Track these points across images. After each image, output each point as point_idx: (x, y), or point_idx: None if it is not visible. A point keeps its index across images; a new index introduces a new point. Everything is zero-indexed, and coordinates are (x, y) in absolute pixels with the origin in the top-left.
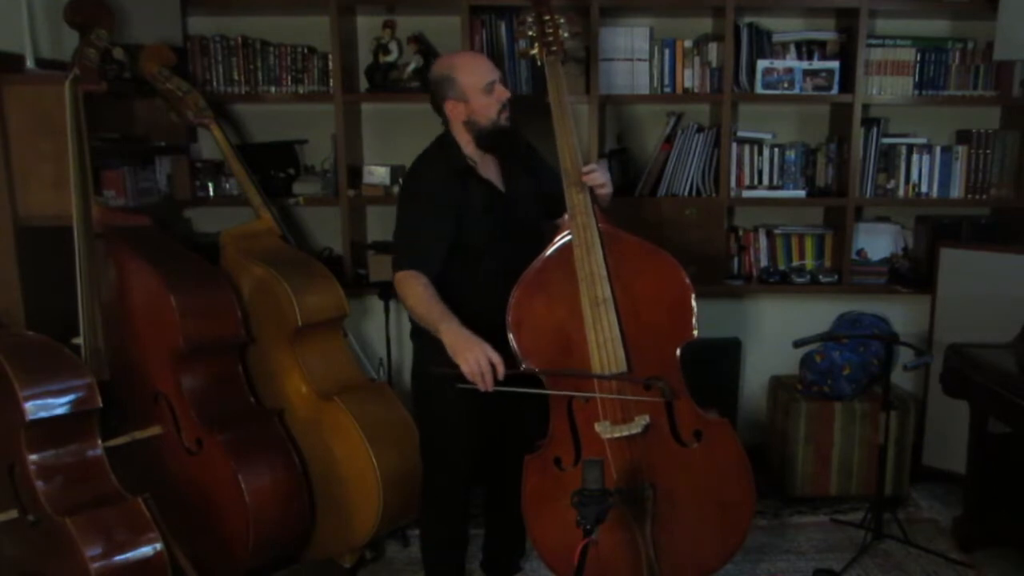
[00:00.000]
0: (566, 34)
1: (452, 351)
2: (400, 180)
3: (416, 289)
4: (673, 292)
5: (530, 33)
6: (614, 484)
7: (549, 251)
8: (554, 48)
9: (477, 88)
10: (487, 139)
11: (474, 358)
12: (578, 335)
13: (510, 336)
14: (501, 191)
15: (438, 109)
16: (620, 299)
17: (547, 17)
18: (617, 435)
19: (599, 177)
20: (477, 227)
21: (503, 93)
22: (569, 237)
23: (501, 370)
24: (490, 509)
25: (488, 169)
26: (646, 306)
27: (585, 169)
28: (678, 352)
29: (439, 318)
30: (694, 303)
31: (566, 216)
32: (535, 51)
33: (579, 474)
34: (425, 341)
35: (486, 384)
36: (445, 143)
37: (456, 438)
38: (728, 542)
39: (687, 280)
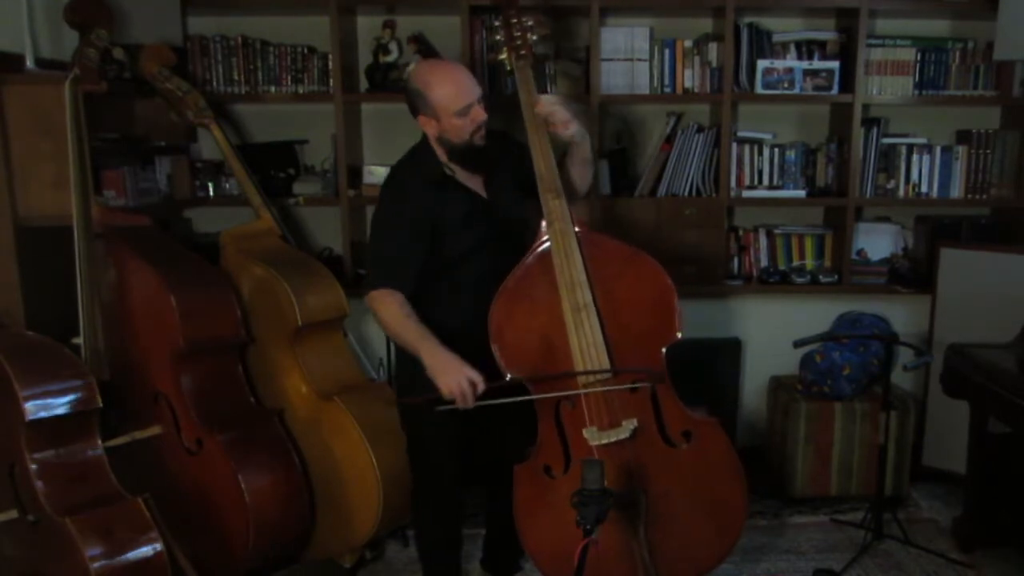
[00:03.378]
0: (534, 37)
1: (432, 373)
2: None
3: (392, 308)
4: (655, 294)
5: (498, 37)
6: None
7: (528, 259)
8: (523, 52)
9: (449, 111)
10: (459, 157)
11: (454, 381)
12: (561, 341)
13: (493, 346)
14: (483, 198)
15: (414, 116)
16: (601, 303)
17: (514, 20)
18: (605, 441)
19: (553, 107)
20: (456, 238)
21: (479, 115)
22: (548, 244)
23: (481, 387)
24: (490, 508)
25: (468, 176)
26: (628, 309)
27: (541, 106)
28: (663, 353)
29: (417, 338)
30: (677, 304)
31: (543, 222)
32: (504, 56)
33: (569, 481)
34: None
35: (467, 403)
36: (420, 152)
37: (440, 444)
38: (723, 541)
39: (669, 281)
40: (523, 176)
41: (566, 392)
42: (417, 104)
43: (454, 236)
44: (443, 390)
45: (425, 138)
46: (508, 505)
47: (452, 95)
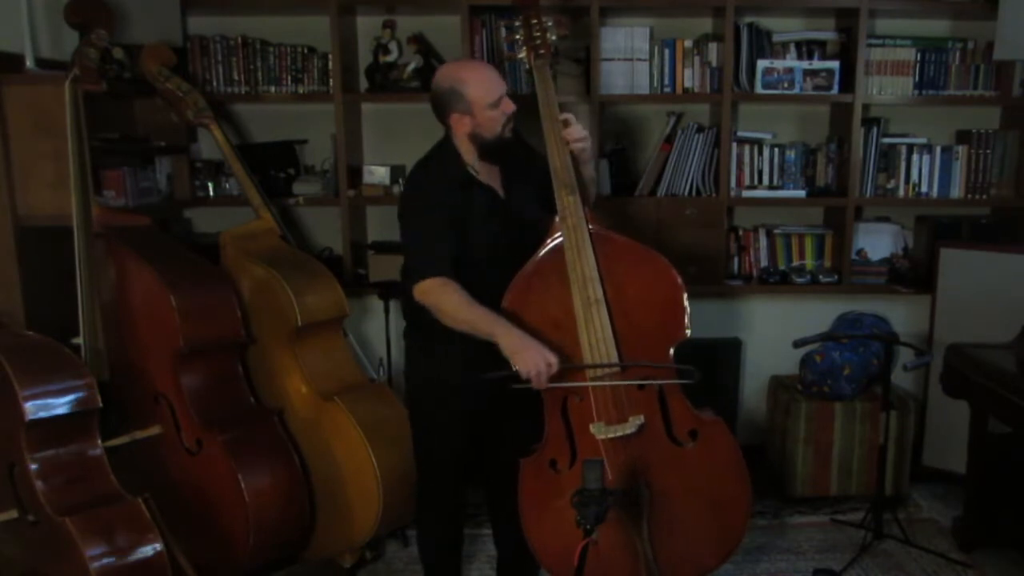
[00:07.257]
0: (553, 37)
1: (509, 352)
2: (400, 181)
3: (453, 296)
4: (665, 292)
5: (517, 36)
6: (610, 485)
7: (541, 253)
8: (542, 51)
9: (484, 103)
10: (491, 151)
11: (532, 361)
12: (571, 336)
13: None
14: (502, 197)
15: (441, 118)
16: (612, 300)
17: (534, 20)
18: (611, 436)
19: (578, 131)
20: (480, 236)
21: (509, 106)
22: (560, 239)
23: (555, 368)
24: (496, 522)
25: (489, 175)
26: (638, 306)
27: (567, 131)
28: (671, 351)
29: (490, 321)
30: (686, 303)
31: (557, 218)
32: (523, 55)
33: (575, 476)
34: (416, 341)
35: (542, 383)
36: (445, 152)
37: (445, 438)
38: (726, 541)
39: (679, 280)
40: (537, 180)
41: (583, 383)
42: (450, 102)
43: (478, 233)
44: (521, 369)
45: (447, 139)
46: (517, 528)
47: (486, 87)
